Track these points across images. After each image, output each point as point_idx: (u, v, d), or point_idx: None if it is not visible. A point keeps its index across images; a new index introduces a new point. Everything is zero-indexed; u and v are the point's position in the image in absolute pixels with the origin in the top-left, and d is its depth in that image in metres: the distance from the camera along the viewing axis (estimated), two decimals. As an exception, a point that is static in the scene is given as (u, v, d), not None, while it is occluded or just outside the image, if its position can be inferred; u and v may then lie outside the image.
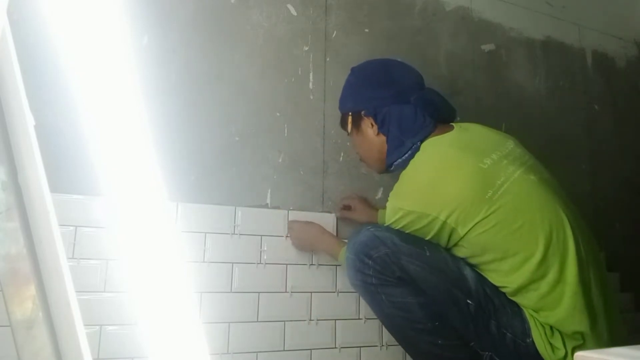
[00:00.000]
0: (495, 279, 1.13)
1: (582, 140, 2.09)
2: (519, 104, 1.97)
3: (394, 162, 1.26)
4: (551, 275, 1.07)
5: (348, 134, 1.38)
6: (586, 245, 1.13)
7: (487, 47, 1.95)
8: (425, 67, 1.79)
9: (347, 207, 1.53)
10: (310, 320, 1.43)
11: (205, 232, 1.36)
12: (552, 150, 2.00)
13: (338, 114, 1.60)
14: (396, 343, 1.26)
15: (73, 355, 0.43)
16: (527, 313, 1.10)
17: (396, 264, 1.10)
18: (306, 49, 1.60)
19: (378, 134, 1.26)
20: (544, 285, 1.07)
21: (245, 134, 1.47)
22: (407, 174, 1.19)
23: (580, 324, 1.06)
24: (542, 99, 2.03)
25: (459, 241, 1.12)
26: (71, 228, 1.22)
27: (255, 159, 1.47)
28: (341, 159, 1.59)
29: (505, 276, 1.11)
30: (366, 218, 1.49)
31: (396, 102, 1.23)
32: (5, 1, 0.47)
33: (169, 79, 1.40)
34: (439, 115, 1.25)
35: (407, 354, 1.30)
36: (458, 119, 1.38)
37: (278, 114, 1.52)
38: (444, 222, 1.09)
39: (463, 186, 1.09)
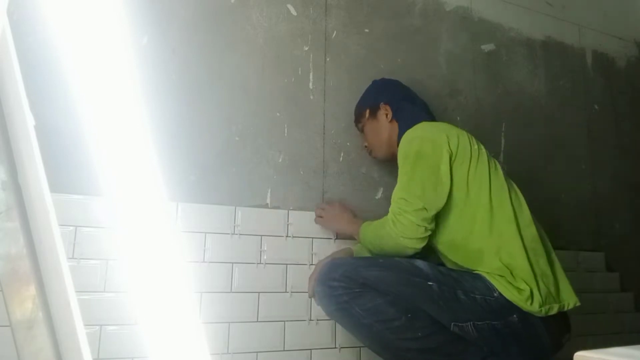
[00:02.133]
0: (459, 230, 1.27)
1: (582, 140, 2.10)
2: (519, 104, 1.97)
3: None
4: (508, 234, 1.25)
5: (361, 130, 1.56)
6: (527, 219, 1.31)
7: (487, 47, 1.95)
8: (425, 67, 1.79)
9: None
10: (310, 320, 1.43)
11: (205, 232, 1.36)
12: (552, 150, 2.00)
13: (338, 113, 1.61)
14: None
15: (73, 355, 0.43)
16: (484, 273, 1.22)
17: (357, 274, 1.22)
18: (306, 49, 1.60)
19: (391, 120, 1.48)
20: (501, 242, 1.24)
21: (245, 134, 1.47)
22: (406, 133, 1.37)
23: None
24: (542, 99, 2.03)
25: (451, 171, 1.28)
26: (71, 228, 1.22)
27: (255, 159, 1.47)
28: (341, 159, 1.59)
29: (469, 225, 1.26)
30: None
31: (407, 100, 1.51)
32: (5, 1, 0.47)
33: (168, 79, 1.40)
34: (431, 118, 1.51)
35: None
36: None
37: (278, 114, 1.52)
38: (449, 148, 1.28)
39: (456, 132, 1.34)
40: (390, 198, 1.30)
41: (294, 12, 1.60)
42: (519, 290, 1.17)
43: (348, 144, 1.61)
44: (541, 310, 1.16)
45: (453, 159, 1.28)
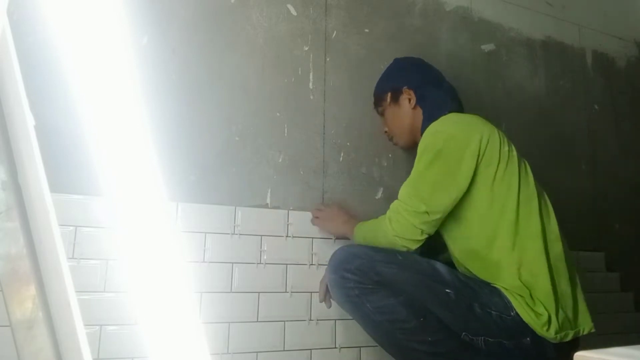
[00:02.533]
0: (477, 234, 1.21)
1: (582, 140, 2.09)
2: (519, 104, 1.97)
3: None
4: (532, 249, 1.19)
5: (381, 114, 1.52)
6: (554, 230, 1.27)
7: (487, 47, 1.95)
8: (425, 67, 1.79)
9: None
10: (310, 320, 1.43)
11: (205, 232, 1.36)
12: (552, 150, 2.00)
13: (338, 113, 1.61)
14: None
15: (73, 355, 0.43)
16: (502, 289, 1.16)
17: (372, 270, 1.17)
18: (306, 49, 1.60)
19: (415, 107, 1.41)
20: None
21: (245, 134, 1.47)
22: (433, 124, 1.27)
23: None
24: (542, 99, 2.03)
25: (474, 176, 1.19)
26: (71, 228, 1.22)
27: (255, 159, 1.47)
28: (341, 159, 1.59)
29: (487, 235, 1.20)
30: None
31: (432, 84, 1.41)
32: (5, 1, 0.47)
33: (168, 79, 1.40)
34: (458, 105, 1.41)
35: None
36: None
37: (278, 114, 1.52)
38: (477, 149, 1.19)
39: (488, 130, 1.23)
40: (390, 198, 1.30)
41: (294, 12, 1.60)
42: (537, 314, 1.12)
43: (348, 144, 1.61)
44: (556, 337, 1.11)
45: (479, 160, 1.19)
